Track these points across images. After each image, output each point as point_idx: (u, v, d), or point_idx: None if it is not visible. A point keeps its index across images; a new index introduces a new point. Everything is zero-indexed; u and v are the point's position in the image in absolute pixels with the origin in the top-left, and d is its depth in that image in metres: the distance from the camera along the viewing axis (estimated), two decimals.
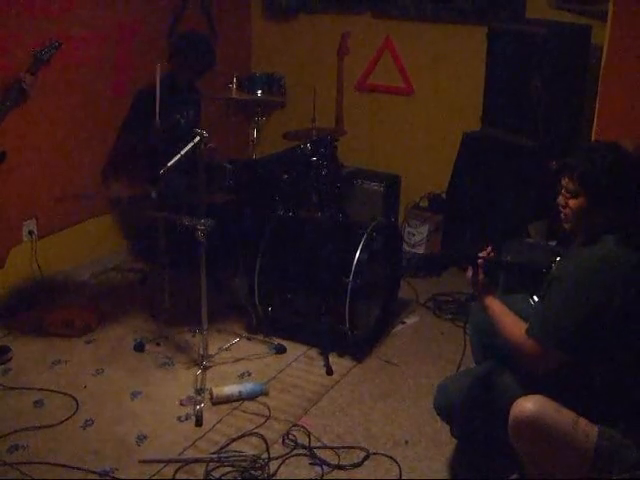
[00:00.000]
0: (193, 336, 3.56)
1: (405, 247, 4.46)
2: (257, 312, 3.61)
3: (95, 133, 4.16)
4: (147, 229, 4.04)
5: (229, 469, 2.64)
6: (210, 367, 3.29)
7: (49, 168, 3.95)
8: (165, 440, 2.83)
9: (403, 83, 4.84)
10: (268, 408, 3.04)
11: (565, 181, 2.21)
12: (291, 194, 3.71)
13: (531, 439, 2.13)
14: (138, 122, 4.04)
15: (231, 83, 3.93)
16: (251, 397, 3.10)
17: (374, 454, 2.77)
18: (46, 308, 3.74)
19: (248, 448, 2.78)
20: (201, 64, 4.12)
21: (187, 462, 2.68)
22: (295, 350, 3.51)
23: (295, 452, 2.77)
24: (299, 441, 2.82)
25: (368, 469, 2.71)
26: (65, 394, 3.10)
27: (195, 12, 4.71)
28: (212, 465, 2.66)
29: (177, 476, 2.62)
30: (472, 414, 2.45)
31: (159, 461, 2.69)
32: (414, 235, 4.67)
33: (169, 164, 3.01)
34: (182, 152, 3.01)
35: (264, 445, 2.77)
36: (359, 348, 3.48)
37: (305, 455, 2.76)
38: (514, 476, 2.50)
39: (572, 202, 2.19)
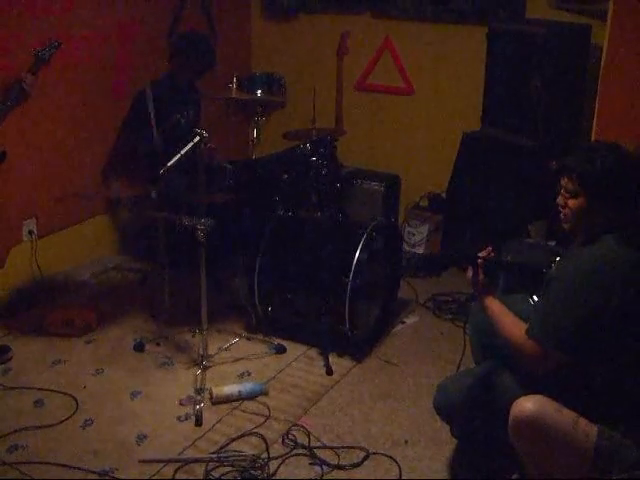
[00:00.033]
0: (193, 336, 3.56)
1: (405, 247, 4.46)
2: (257, 312, 3.61)
3: (95, 133, 4.16)
4: (147, 229, 4.05)
5: (229, 469, 2.65)
6: (210, 367, 3.29)
7: (49, 168, 3.95)
8: (165, 440, 2.83)
9: (403, 83, 4.84)
10: (268, 408, 3.04)
11: (564, 181, 2.21)
12: (291, 194, 3.71)
13: (531, 439, 2.13)
14: (138, 122, 4.04)
15: (231, 83, 3.92)
16: (251, 397, 3.10)
17: (374, 454, 2.77)
18: (46, 308, 3.74)
19: (248, 448, 2.78)
20: (201, 64, 4.12)
21: (187, 462, 2.69)
22: (295, 350, 3.51)
23: (295, 452, 2.77)
24: (299, 441, 2.82)
25: (368, 469, 2.71)
26: (65, 394, 3.10)
27: (195, 12, 4.72)
28: (212, 465, 2.66)
29: (177, 476, 2.62)
30: (472, 414, 2.45)
31: (159, 461, 2.69)
32: (414, 235, 4.67)
33: (169, 164, 3.01)
34: (182, 152, 3.01)
35: (264, 445, 2.77)
36: (359, 348, 3.48)
37: (305, 455, 2.76)
38: (514, 476, 2.50)
39: (571, 202, 2.19)
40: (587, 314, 2.08)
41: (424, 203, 4.78)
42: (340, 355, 3.46)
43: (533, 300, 2.44)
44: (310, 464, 2.72)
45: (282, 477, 2.65)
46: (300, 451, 2.78)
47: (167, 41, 4.48)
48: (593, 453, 2.06)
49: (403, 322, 3.84)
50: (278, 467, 2.68)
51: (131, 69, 4.29)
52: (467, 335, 2.82)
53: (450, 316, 3.88)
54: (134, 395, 3.13)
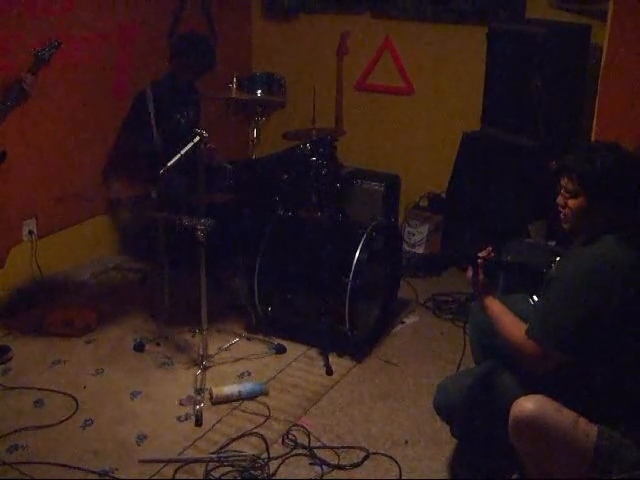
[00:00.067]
0: (193, 336, 3.56)
1: (405, 247, 4.46)
2: (257, 312, 3.61)
3: (95, 133, 4.16)
4: (147, 229, 4.05)
5: (229, 469, 2.65)
6: (210, 367, 3.30)
7: (49, 168, 3.95)
8: (165, 440, 2.83)
9: (403, 83, 4.84)
10: (268, 408, 3.04)
11: (564, 181, 2.21)
12: (291, 194, 3.71)
13: (531, 439, 2.13)
14: (138, 123, 4.05)
15: (231, 83, 3.92)
16: (251, 397, 3.10)
17: (374, 454, 2.77)
18: (46, 308, 3.74)
19: (248, 448, 2.78)
20: (201, 65, 4.12)
21: (187, 462, 2.68)
22: (295, 350, 3.51)
23: (295, 452, 2.77)
24: (299, 441, 2.82)
25: (368, 469, 2.71)
26: (65, 394, 3.10)
27: (195, 12, 4.72)
28: (212, 465, 2.66)
29: (177, 476, 2.62)
30: (472, 414, 2.45)
31: (159, 461, 2.69)
32: (414, 235, 4.67)
33: (169, 164, 3.01)
34: (182, 152, 3.01)
35: (264, 445, 2.77)
36: (359, 348, 3.48)
37: (305, 455, 2.76)
38: (514, 476, 2.50)
39: (571, 202, 2.19)
40: (587, 314, 2.08)
41: (424, 203, 4.78)
42: (340, 355, 3.46)
43: (533, 300, 2.44)
44: (310, 464, 2.72)
45: (282, 477, 2.65)
46: (300, 451, 2.78)
47: (167, 42, 4.48)
48: (593, 453, 2.07)
49: (403, 322, 3.84)
50: (278, 467, 2.68)
51: (131, 69, 4.29)
52: (467, 335, 2.82)
53: (450, 316, 3.89)
54: (134, 395, 3.13)
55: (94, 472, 2.63)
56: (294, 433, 2.87)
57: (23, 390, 3.12)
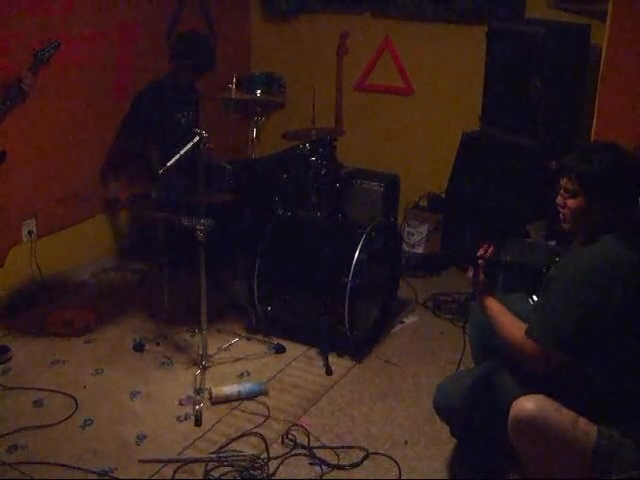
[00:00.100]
0: (192, 336, 3.57)
1: (404, 247, 4.46)
2: (256, 312, 3.61)
3: (95, 133, 4.16)
4: (146, 229, 4.04)
5: (228, 469, 2.65)
6: (209, 367, 3.30)
7: (49, 168, 3.94)
8: (164, 440, 2.83)
9: (402, 83, 4.84)
10: (267, 408, 3.04)
11: (563, 181, 2.21)
12: (290, 194, 3.71)
13: (531, 438, 2.13)
14: (137, 123, 4.05)
15: (230, 83, 3.92)
16: (250, 397, 3.10)
17: (373, 454, 2.77)
18: (45, 308, 3.75)
19: (247, 448, 2.78)
20: (201, 64, 4.12)
21: (186, 462, 2.68)
22: (294, 350, 3.51)
23: (294, 452, 2.77)
24: (298, 441, 2.82)
25: (367, 469, 2.71)
26: (65, 394, 3.10)
27: (194, 12, 4.71)
28: (211, 465, 2.66)
29: (176, 476, 2.62)
30: (472, 414, 2.45)
31: (158, 461, 2.69)
32: (413, 235, 4.67)
33: (168, 164, 3.01)
34: (181, 152, 3.01)
35: (263, 445, 2.77)
36: (358, 348, 3.48)
37: (304, 455, 2.76)
38: (513, 476, 2.50)
39: (571, 202, 2.19)
40: (587, 313, 2.08)
41: (423, 203, 4.78)
42: (340, 355, 3.46)
43: (533, 300, 2.44)
44: (310, 464, 2.72)
45: (282, 477, 2.65)
46: (300, 451, 2.78)
47: (166, 42, 4.47)
48: (593, 453, 2.07)
49: (403, 322, 3.84)
50: (278, 467, 2.68)
51: (131, 69, 4.29)
52: (467, 335, 2.82)
53: (450, 316, 3.89)
54: (134, 395, 3.13)
55: (94, 472, 2.63)
56: (294, 433, 2.87)
57: (23, 390, 3.12)
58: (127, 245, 4.55)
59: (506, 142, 4.14)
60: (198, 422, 2.93)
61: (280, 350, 3.49)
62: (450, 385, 2.55)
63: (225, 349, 3.44)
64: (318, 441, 2.84)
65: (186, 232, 3.13)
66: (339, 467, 2.70)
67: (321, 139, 3.72)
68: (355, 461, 2.73)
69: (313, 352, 3.49)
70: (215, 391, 3.08)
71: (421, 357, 3.50)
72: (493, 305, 2.33)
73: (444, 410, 2.57)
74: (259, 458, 2.70)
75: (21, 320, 3.69)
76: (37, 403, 3.05)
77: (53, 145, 3.95)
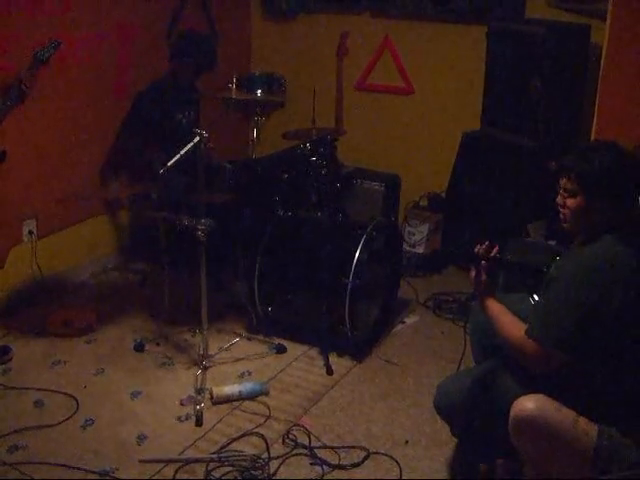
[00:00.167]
0: (193, 336, 3.57)
1: (405, 247, 4.46)
2: (257, 312, 3.61)
3: (95, 133, 4.16)
4: (147, 229, 4.04)
5: (229, 469, 2.65)
6: (210, 367, 3.30)
7: (49, 168, 3.94)
8: (165, 440, 2.83)
9: (402, 83, 4.84)
10: (268, 408, 3.04)
11: (563, 181, 2.21)
12: (291, 194, 3.72)
13: (531, 438, 2.13)
14: (138, 123, 4.05)
15: (231, 83, 3.93)
16: (251, 397, 3.10)
17: (374, 454, 2.78)
18: (46, 308, 3.75)
19: (248, 448, 2.78)
20: (202, 64, 4.12)
21: (187, 462, 2.69)
22: (295, 350, 3.51)
23: (295, 452, 2.77)
24: (299, 441, 2.82)
25: (368, 469, 2.71)
26: (65, 394, 3.10)
27: (195, 12, 4.71)
28: (212, 465, 2.66)
29: (177, 476, 2.62)
30: (472, 414, 2.44)
31: (159, 461, 2.69)
32: (414, 234, 4.67)
33: (169, 164, 3.01)
34: (182, 152, 3.01)
35: (264, 445, 2.77)
36: (359, 348, 3.48)
37: (305, 455, 2.76)
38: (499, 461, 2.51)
39: (570, 202, 2.19)
40: (587, 313, 2.08)
41: (424, 203, 4.78)
42: (340, 355, 3.46)
43: (533, 299, 2.44)
44: (311, 464, 2.72)
45: (282, 477, 2.65)
46: (300, 451, 2.78)
47: (166, 41, 4.47)
48: (593, 452, 2.06)
49: (403, 322, 3.84)
50: (279, 467, 2.68)
51: (131, 69, 4.29)
52: (467, 334, 2.82)
53: (450, 315, 3.89)
54: (134, 395, 3.13)
55: (94, 472, 2.63)
56: (294, 433, 2.87)
57: (23, 390, 3.12)
58: (128, 245, 4.55)
59: (506, 142, 4.14)
60: (199, 422, 2.93)
61: (281, 350, 3.49)
62: (451, 385, 2.55)
63: (226, 349, 3.44)
64: (319, 441, 2.84)
65: (187, 232, 3.13)
66: (340, 467, 2.70)
67: (321, 139, 3.72)
68: (356, 461, 2.73)
69: (314, 352, 3.49)
70: (216, 391, 3.08)
71: (422, 357, 3.50)
72: (493, 305, 2.33)
73: (445, 410, 2.57)
74: (260, 458, 2.70)
75: (22, 320, 3.69)
76: (38, 403, 3.05)
77: (53, 145, 3.95)
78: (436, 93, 4.74)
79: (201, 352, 3.26)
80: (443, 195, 4.65)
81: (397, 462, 2.72)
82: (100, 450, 2.76)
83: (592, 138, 3.30)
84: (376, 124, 4.99)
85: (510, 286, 2.71)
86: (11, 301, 3.81)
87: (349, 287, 3.30)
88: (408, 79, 4.82)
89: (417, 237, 4.65)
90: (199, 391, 3.08)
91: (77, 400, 3.06)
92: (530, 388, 2.19)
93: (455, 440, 2.78)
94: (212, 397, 3.07)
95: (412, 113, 4.85)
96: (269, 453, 2.73)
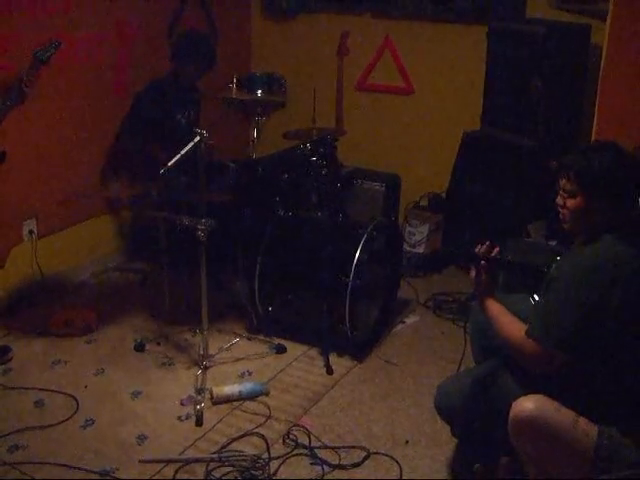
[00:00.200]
0: (193, 336, 3.57)
1: (405, 247, 4.46)
2: (257, 312, 3.61)
3: (95, 133, 4.16)
4: (147, 229, 4.05)
5: (229, 469, 2.65)
6: (210, 367, 3.30)
7: (49, 168, 3.94)
8: (165, 440, 2.84)
9: (403, 83, 4.84)
10: (268, 408, 3.04)
11: (562, 182, 2.21)
12: (291, 194, 3.71)
13: (531, 438, 2.13)
14: (138, 123, 4.04)
15: (231, 83, 3.92)
16: (251, 397, 3.10)
17: (374, 454, 2.78)
18: (46, 308, 3.75)
19: (248, 448, 2.78)
20: (202, 63, 4.12)
21: (187, 462, 2.69)
22: (295, 350, 3.51)
23: (295, 452, 2.77)
24: (299, 441, 2.83)
25: (368, 469, 2.71)
26: (65, 394, 3.10)
27: (195, 12, 4.71)
28: (212, 465, 2.66)
29: (177, 476, 2.62)
30: (472, 414, 2.45)
31: (159, 461, 2.69)
32: (414, 235, 4.67)
33: (169, 164, 3.01)
34: (182, 152, 3.01)
35: (264, 445, 2.78)
36: (359, 348, 3.48)
37: (305, 455, 2.76)
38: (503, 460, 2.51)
39: (570, 202, 2.19)
40: (587, 313, 2.08)
41: (424, 203, 4.78)
42: (340, 355, 3.46)
43: (534, 299, 2.44)
44: (311, 464, 2.72)
45: (283, 477, 2.65)
46: (301, 451, 2.78)
47: (167, 41, 4.47)
48: (593, 453, 2.07)
49: (403, 322, 3.84)
50: (279, 467, 2.68)
51: (131, 69, 4.29)
52: (467, 335, 2.82)
53: (450, 316, 3.89)
54: (135, 395, 3.13)
55: (95, 472, 2.63)
56: (295, 433, 2.87)
57: (24, 390, 3.13)
58: (128, 245, 4.55)
59: (506, 142, 4.14)
60: (199, 422, 2.93)
61: (281, 350, 3.49)
62: (451, 385, 2.55)
63: (226, 349, 3.44)
64: (319, 441, 2.84)
65: (187, 232, 3.13)
66: (340, 467, 2.70)
67: (322, 139, 3.72)
68: (356, 461, 2.73)
69: (314, 352, 3.49)
70: (216, 391, 3.08)
71: (422, 357, 3.50)
72: (493, 306, 2.33)
73: (445, 410, 2.57)
74: (260, 458, 2.70)
75: (22, 320, 3.69)
76: (38, 403, 3.05)
77: (53, 145, 3.95)
78: (436, 93, 4.74)
79: (201, 352, 3.26)
80: (443, 195, 4.65)
81: (397, 462, 2.73)
82: (100, 450, 2.76)
83: (592, 138, 3.29)
84: (376, 124, 4.99)
85: (510, 286, 2.71)
86: (11, 301, 3.81)
87: (349, 287, 3.30)
88: (408, 79, 4.82)
89: (417, 237, 4.65)
90: (199, 391, 3.08)
91: (77, 400, 3.06)
92: (530, 388, 2.19)
93: (455, 440, 2.78)
94: (212, 397, 3.07)
95: (412, 113, 4.85)
96: (269, 453, 2.73)
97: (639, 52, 3.12)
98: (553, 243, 3.53)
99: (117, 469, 2.65)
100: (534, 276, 2.42)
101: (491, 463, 2.57)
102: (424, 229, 4.63)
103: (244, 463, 2.67)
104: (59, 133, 3.96)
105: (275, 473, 2.65)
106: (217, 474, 2.62)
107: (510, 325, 2.26)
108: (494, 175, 4.22)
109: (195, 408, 2.99)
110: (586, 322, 2.09)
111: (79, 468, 2.64)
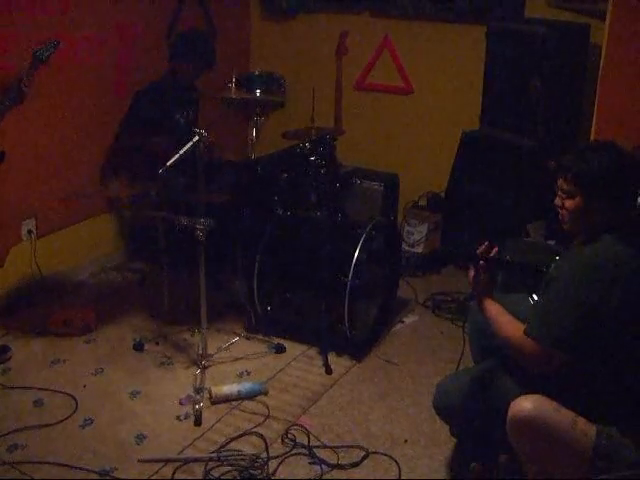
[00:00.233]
0: (192, 335, 3.57)
1: (404, 246, 4.46)
2: (256, 311, 3.61)
3: (94, 133, 4.16)
4: (146, 229, 4.04)
5: (228, 468, 2.65)
6: (209, 366, 3.30)
7: (48, 168, 3.94)
8: (164, 439, 2.84)
9: (402, 82, 4.84)
10: (267, 407, 3.04)
11: (561, 182, 2.21)
12: (290, 193, 3.71)
13: (530, 438, 2.13)
14: (137, 122, 4.04)
15: (230, 83, 3.92)
16: (250, 396, 3.10)
17: (373, 453, 2.78)
18: (45, 307, 3.75)
19: (247, 447, 2.79)
20: (201, 63, 4.11)
21: (186, 461, 2.69)
22: (294, 349, 3.51)
23: (294, 451, 2.77)
24: (298, 440, 2.83)
25: (367, 468, 2.71)
26: (64, 393, 3.10)
27: (194, 11, 4.71)
28: (211, 464, 2.66)
29: (176, 475, 2.62)
30: (471, 413, 2.45)
31: (158, 460, 2.70)
32: (413, 234, 4.67)
33: (168, 163, 3.01)
34: (181, 152, 3.01)
35: (263, 444, 2.78)
36: (358, 347, 3.48)
37: (304, 454, 2.76)
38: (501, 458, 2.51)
39: (568, 203, 2.19)
40: (587, 312, 2.08)
41: (423, 202, 4.78)
42: (339, 354, 3.46)
43: (533, 299, 2.44)
44: (309, 463, 2.72)
45: (281, 477, 2.65)
46: (299, 450, 2.78)
47: (166, 41, 4.47)
48: (592, 453, 2.06)
49: (402, 321, 3.84)
50: (277, 466, 2.68)
51: (131, 69, 4.29)
52: (466, 334, 2.82)
53: (449, 315, 3.89)
54: (133, 395, 3.13)
55: (94, 472, 2.63)
56: (293, 432, 2.87)
57: (23, 390, 3.13)
58: (127, 245, 4.55)
59: (506, 142, 4.14)
60: (198, 422, 2.93)
61: (280, 349, 3.49)
62: (450, 384, 2.55)
63: (225, 349, 3.44)
64: (318, 440, 2.84)
65: (186, 232, 3.13)
66: (339, 466, 2.70)
67: (321, 139, 3.72)
68: (355, 460, 2.73)
69: (313, 351, 3.49)
70: (215, 391, 3.08)
71: (421, 356, 3.50)
72: (491, 305, 2.33)
73: (444, 409, 2.57)
74: (259, 457, 2.70)
75: (21, 320, 3.69)
76: (37, 403, 3.05)
77: (53, 145, 3.95)
78: (436, 93, 4.74)
79: (200, 352, 3.26)
80: (442, 195, 4.65)
81: (396, 462, 2.73)
82: (99, 449, 2.76)
83: (592, 138, 3.30)
84: (375, 124, 4.99)
85: (510, 286, 2.71)
86: (10, 300, 3.81)
87: (348, 287, 3.30)
88: (407, 79, 4.82)
89: (416, 237, 4.65)
90: (198, 390, 3.08)
91: (76, 399, 3.06)
92: (529, 388, 2.19)
93: (454, 440, 2.79)
94: (211, 397, 3.08)
95: (411, 113, 4.85)
96: (268, 453, 2.73)
97: (638, 52, 3.13)
98: (552, 243, 3.53)
99: (116, 468, 2.65)
100: (533, 276, 2.42)
101: (490, 462, 2.58)
102: (423, 229, 4.63)
103: (243, 462, 2.68)
104: (58, 133, 3.96)
105: (274, 473, 2.65)
106: (216, 473, 2.62)
107: (509, 325, 2.26)
108: (493, 175, 4.22)
109: (194, 408, 2.99)
110: (585, 322, 2.09)
111: (78, 468, 2.64)
